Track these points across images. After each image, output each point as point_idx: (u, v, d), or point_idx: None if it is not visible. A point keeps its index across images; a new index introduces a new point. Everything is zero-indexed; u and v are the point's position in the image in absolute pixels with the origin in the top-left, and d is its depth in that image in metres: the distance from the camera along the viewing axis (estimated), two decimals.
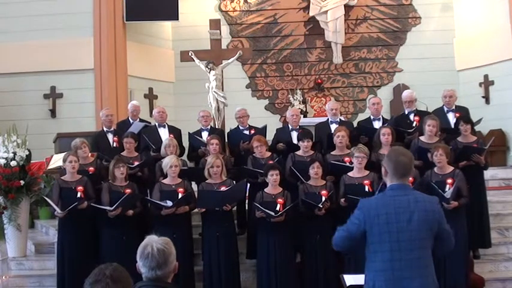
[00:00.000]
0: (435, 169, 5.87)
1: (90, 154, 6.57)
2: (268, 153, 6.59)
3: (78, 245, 5.92)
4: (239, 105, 7.98)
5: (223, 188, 5.91)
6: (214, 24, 9.73)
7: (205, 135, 7.15)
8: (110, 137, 7.19)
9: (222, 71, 9.22)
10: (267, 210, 5.69)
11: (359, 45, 11.83)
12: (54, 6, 10.08)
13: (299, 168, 6.17)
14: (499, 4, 10.74)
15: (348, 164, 6.13)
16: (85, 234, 5.98)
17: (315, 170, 5.94)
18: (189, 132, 7.30)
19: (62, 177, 6.16)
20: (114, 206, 5.74)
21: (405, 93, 7.29)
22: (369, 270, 3.41)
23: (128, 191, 5.92)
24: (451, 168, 5.88)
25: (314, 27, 11.75)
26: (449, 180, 5.73)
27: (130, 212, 5.90)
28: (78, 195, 5.89)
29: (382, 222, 3.32)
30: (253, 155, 6.56)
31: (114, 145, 7.07)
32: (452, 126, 6.83)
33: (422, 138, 6.43)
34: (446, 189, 5.69)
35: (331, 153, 6.42)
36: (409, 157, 3.45)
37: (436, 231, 3.36)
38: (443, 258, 5.57)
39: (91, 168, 6.38)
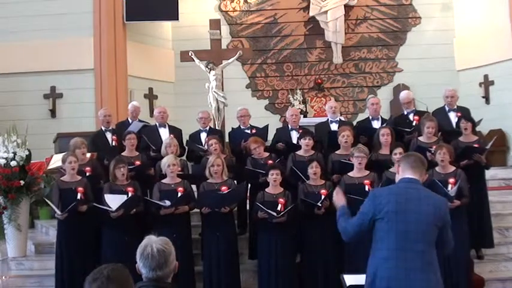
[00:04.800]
0: (437, 168, 5.86)
1: (89, 154, 6.55)
2: (266, 154, 6.59)
3: (77, 245, 5.90)
4: (239, 105, 7.98)
5: (223, 188, 5.91)
6: (214, 24, 9.74)
7: (203, 136, 7.15)
8: (109, 136, 7.18)
9: (222, 71, 9.23)
10: (269, 211, 5.69)
11: (359, 45, 11.84)
12: (54, 6, 10.09)
13: (299, 168, 6.17)
14: (499, 4, 10.75)
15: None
16: (84, 234, 5.95)
17: (313, 169, 5.94)
18: (188, 137, 7.28)
19: (62, 178, 6.14)
20: (115, 208, 5.72)
21: (402, 95, 7.30)
22: (372, 257, 3.47)
23: (130, 189, 5.91)
24: (452, 168, 5.87)
25: (314, 27, 11.76)
26: (452, 180, 5.72)
27: (133, 210, 5.90)
28: (78, 196, 5.87)
29: (391, 210, 3.40)
30: (252, 156, 6.56)
31: (113, 144, 7.07)
32: (454, 125, 6.83)
33: (421, 138, 6.43)
34: (449, 188, 5.69)
35: (336, 152, 6.41)
36: (422, 157, 3.69)
37: (440, 230, 3.42)
38: (443, 258, 5.58)
39: (87, 169, 6.35)
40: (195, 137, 7.24)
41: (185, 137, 7.37)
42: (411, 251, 3.34)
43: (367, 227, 3.49)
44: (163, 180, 6.05)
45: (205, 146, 6.77)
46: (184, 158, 7.04)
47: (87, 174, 6.29)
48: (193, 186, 6.38)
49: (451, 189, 5.64)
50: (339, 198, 3.86)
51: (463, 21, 11.61)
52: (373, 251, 3.49)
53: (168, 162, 5.96)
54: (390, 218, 3.38)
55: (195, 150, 7.00)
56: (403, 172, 3.56)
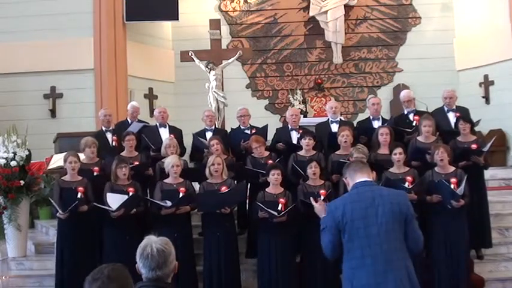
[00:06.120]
0: (436, 169, 5.85)
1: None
2: (267, 153, 6.60)
3: (78, 245, 5.89)
4: (239, 105, 7.97)
5: (223, 188, 5.91)
6: (214, 24, 9.76)
7: (209, 135, 7.12)
8: (109, 136, 7.19)
9: (222, 71, 9.25)
10: (270, 210, 5.68)
11: (359, 45, 11.85)
12: (54, 6, 10.10)
13: (300, 168, 6.16)
14: (499, 4, 10.76)
15: None
16: (84, 234, 5.95)
17: (312, 169, 5.93)
18: (193, 134, 7.29)
19: (62, 178, 6.15)
20: (116, 207, 5.72)
21: (403, 93, 7.29)
22: (345, 270, 3.48)
23: (131, 189, 5.90)
24: (452, 168, 5.86)
25: (314, 27, 11.77)
26: (454, 179, 5.71)
27: (134, 210, 5.90)
28: (79, 195, 5.87)
29: (349, 220, 3.41)
30: (252, 155, 6.57)
31: (114, 144, 7.07)
32: (453, 126, 6.83)
33: (419, 138, 6.41)
34: (451, 187, 5.68)
35: (336, 152, 6.40)
36: (361, 159, 3.81)
37: (405, 223, 3.41)
38: (443, 258, 5.58)
39: (96, 169, 6.35)
40: (200, 135, 7.23)
41: (185, 137, 7.37)
42: (377, 255, 3.33)
43: (339, 240, 3.49)
44: (165, 180, 6.04)
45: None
46: (184, 158, 7.03)
47: (95, 174, 6.29)
48: (195, 186, 6.39)
49: (455, 189, 5.63)
50: (319, 210, 3.81)
51: (463, 21, 11.63)
52: (343, 264, 3.50)
53: (172, 163, 5.96)
54: (350, 228, 3.40)
55: (199, 148, 7.00)
56: (352, 180, 3.57)
